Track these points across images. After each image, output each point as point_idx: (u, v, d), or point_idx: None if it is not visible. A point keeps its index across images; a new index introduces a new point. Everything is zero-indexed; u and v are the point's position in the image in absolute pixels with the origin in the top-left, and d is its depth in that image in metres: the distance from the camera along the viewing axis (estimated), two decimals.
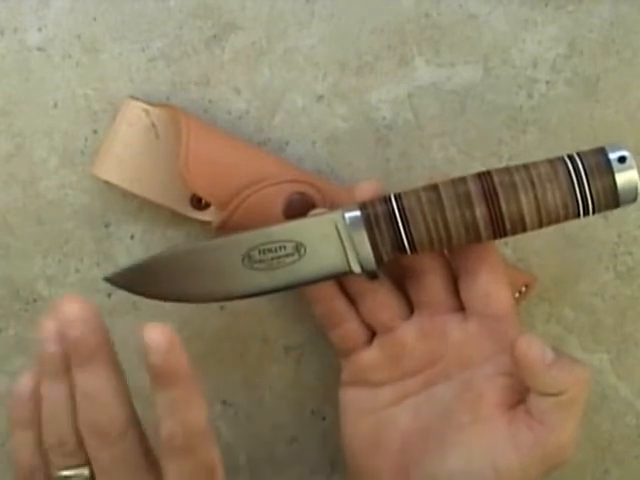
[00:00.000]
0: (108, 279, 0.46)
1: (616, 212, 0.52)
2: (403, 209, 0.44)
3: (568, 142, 0.53)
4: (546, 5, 0.53)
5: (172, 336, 0.40)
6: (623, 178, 0.43)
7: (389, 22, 0.53)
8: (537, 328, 0.55)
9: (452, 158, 0.54)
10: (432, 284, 0.48)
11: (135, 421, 0.42)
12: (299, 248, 0.45)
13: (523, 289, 0.53)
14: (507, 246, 0.54)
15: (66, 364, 0.41)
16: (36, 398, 0.43)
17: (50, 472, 0.43)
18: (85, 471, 0.42)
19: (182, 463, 0.41)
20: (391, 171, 0.54)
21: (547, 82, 0.53)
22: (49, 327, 0.41)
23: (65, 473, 0.42)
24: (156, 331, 0.40)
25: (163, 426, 0.40)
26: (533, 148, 0.53)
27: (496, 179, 0.43)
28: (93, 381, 0.41)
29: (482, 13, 0.53)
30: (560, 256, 0.54)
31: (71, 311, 0.40)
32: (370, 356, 0.49)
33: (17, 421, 0.43)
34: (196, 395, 0.41)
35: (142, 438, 0.42)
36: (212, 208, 0.51)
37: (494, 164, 0.45)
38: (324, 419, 0.56)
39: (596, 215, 0.45)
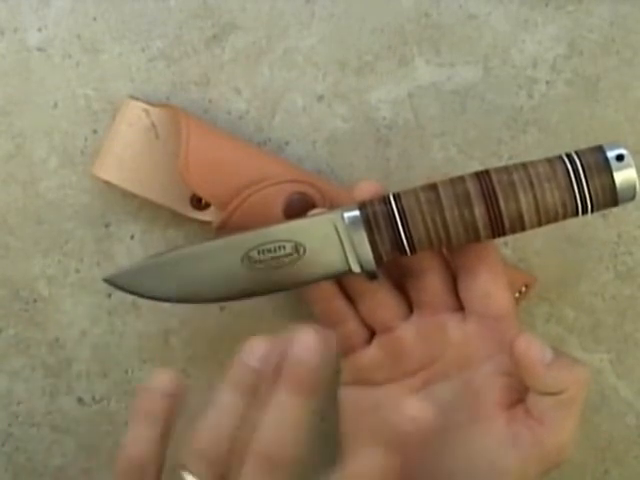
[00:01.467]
0: (108, 280, 0.46)
1: (616, 212, 0.52)
2: (402, 209, 0.44)
3: (568, 142, 0.53)
4: (546, 5, 0.53)
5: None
6: (621, 176, 0.43)
7: (389, 22, 0.53)
8: (537, 328, 0.55)
9: (452, 158, 0.54)
10: (431, 284, 0.48)
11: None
12: (298, 248, 0.45)
13: (523, 289, 0.53)
14: (507, 246, 0.54)
15: (256, 387, 0.40)
16: (173, 397, 0.41)
17: (173, 470, 0.41)
18: None
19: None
20: (391, 171, 0.54)
21: (547, 82, 0.53)
22: (262, 345, 0.41)
23: (190, 477, 0.40)
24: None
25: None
26: (533, 148, 0.53)
27: (495, 178, 0.43)
28: (298, 413, 0.40)
29: (482, 13, 0.53)
30: (560, 256, 0.54)
31: (313, 340, 0.40)
32: (369, 356, 0.49)
33: (145, 414, 0.41)
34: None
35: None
36: (212, 208, 0.51)
37: (494, 164, 0.45)
38: (324, 419, 0.56)
39: (596, 215, 0.45)
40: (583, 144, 0.45)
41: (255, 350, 0.40)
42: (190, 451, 0.41)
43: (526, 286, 0.53)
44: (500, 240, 0.46)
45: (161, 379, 0.41)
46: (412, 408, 0.39)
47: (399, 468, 0.39)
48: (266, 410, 0.39)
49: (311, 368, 0.39)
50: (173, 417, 0.41)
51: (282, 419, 0.39)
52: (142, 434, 0.41)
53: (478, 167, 0.51)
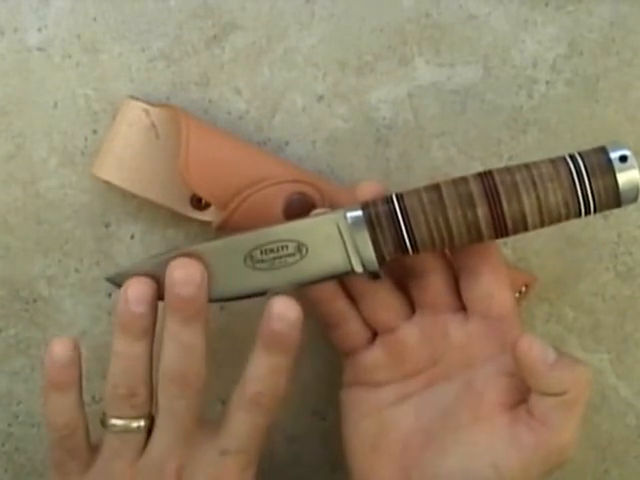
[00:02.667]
0: (110, 279, 0.46)
1: (616, 212, 0.52)
2: (405, 209, 0.44)
3: (568, 142, 0.53)
4: (546, 5, 0.53)
5: (298, 310, 0.44)
6: (624, 177, 0.43)
7: (389, 22, 0.53)
8: (537, 328, 0.55)
9: (452, 158, 0.54)
10: (434, 284, 0.48)
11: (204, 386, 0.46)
12: (301, 248, 0.45)
13: (523, 289, 0.53)
14: (507, 246, 0.54)
15: (148, 324, 0.45)
16: (76, 362, 0.46)
17: (103, 422, 0.46)
18: (142, 422, 0.46)
19: (257, 420, 0.46)
20: (391, 171, 0.54)
21: (547, 82, 0.53)
22: (135, 290, 0.44)
23: (120, 422, 0.46)
24: (288, 304, 0.44)
25: (256, 383, 0.45)
26: (533, 148, 0.53)
27: (498, 179, 0.43)
28: (193, 337, 0.45)
29: (482, 13, 0.53)
30: (560, 256, 0.54)
31: (181, 273, 0.44)
32: (371, 356, 0.49)
33: (54, 385, 0.45)
34: (291, 369, 0.46)
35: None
36: (212, 208, 0.51)
37: (494, 164, 0.45)
38: (324, 419, 0.56)
39: (596, 215, 0.45)
40: (583, 144, 0.45)
41: (132, 296, 0.44)
42: (110, 402, 0.46)
43: (526, 286, 0.53)
44: (500, 240, 0.46)
45: (57, 351, 0.45)
46: (278, 306, 0.44)
47: (287, 369, 0.45)
48: (164, 342, 0.45)
49: (187, 298, 0.44)
50: (81, 378, 0.46)
51: (175, 345, 0.45)
52: (60, 403, 0.46)
53: (478, 167, 0.51)
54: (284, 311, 0.44)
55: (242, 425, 0.46)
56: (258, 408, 0.46)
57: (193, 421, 0.46)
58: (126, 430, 0.46)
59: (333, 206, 0.49)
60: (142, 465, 0.46)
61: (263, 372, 0.46)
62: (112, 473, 0.46)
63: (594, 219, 0.54)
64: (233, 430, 0.46)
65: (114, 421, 0.46)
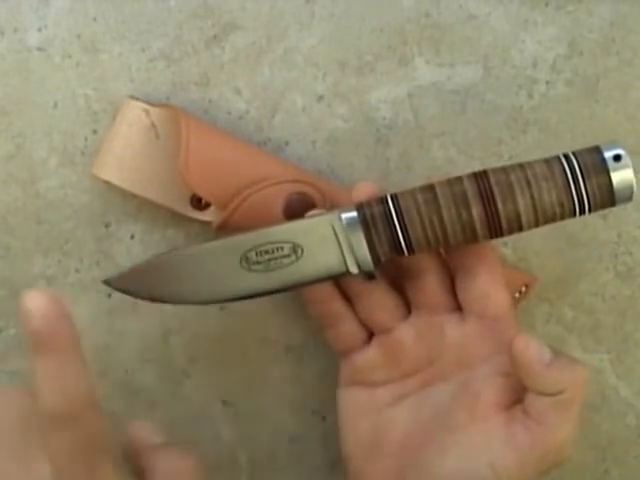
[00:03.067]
0: (107, 282, 0.46)
1: (616, 212, 0.52)
2: (400, 210, 0.44)
3: (568, 142, 0.53)
4: (546, 5, 0.53)
5: (55, 302, 0.37)
6: (618, 177, 0.43)
7: (389, 22, 0.53)
8: (537, 328, 0.55)
9: (452, 158, 0.54)
10: (429, 284, 0.47)
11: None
12: (296, 249, 0.45)
13: (523, 289, 0.53)
14: (507, 246, 0.54)
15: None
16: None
17: None
18: None
19: (65, 434, 0.38)
20: (391, 171, 0.54)
21: (547, 82, 0.53)
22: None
23: None
24: (37, 296, 0.37)
25: (44, 395, 0.37)
26: (533, 148, 0.53)
27: (492, 179, 0.43)
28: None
29: (482, 13, 0.53)
30: (560, 256, 0.54)
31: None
32: (368, 356, 0.49)
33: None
34: (78, 364, 0.38)
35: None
36: (212, 208, 0.51)
37: (494, 164, 0.45)
38: (324, 419, 0.56)
39: (596, 215, 0.45)
40: (583, 144, 0.45)
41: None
42: None
43: (526, 286, 0.53)
44: (500, 240, 0.46)
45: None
46: (29, 302, 0.37)
47: (74, 367, 0.38)
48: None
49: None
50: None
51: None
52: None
53: (478, 167, 0.51)
54: (37, 306, 0.37)
55: (57, 446, 0.38)
56: (61, 421, 0.37)
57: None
58: None
59: (333, 206, 0.49)
60: None
61: (49, 381, 0.37)
62: None
63: (594, 219, 0.54)
64: (51, 454, 0.38)
65: None
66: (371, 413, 0.49)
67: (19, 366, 0.54)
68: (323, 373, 0.55)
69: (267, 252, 0.45)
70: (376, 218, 0.44)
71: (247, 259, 0.45)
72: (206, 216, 0.52)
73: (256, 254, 0.45)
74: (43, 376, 0.37)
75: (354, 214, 0.44)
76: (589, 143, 0.45)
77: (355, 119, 0.53)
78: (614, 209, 0.45)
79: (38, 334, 0.37)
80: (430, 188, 0.44)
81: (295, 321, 0.55)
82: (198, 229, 0.53)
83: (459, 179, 0.44)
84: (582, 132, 0.53)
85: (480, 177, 0.44)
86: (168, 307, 0.46)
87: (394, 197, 0.44)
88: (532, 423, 0.44)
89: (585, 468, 0.56)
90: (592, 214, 0.44)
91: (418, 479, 0.46)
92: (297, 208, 0.49)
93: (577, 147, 0.45)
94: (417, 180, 0.46)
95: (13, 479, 0.39)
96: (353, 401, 0.50)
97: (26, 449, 0.40)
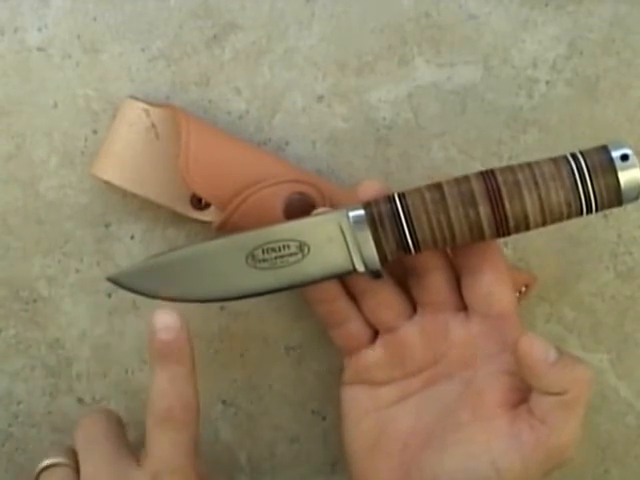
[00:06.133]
0: (111, 279, 0.46)
1: (616, 212, 0.52)
2: (407, 208, 0.44)
3: (568, 142, 0.53)
4: (546, 5, 0.53)
5: (180, 319, 0.44)
6: (626, 176, 0.43)
7: (389, 22, 0.53)
8: (537, 328, 0.55)
9: (452, 158, 0.54)
10: (435, 283, 0.47)
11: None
12: (303, 247, 0.45)
13: (523, 289, 0.53)
14: (507, 246, 0.54)
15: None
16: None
17: None
18: None
19: (175, 436, 0.44)
20: (391, 171, 0.54)
21: (547, 82, 0.53)
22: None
23: None
24: (166, 314, 0.44)
25: (161, 399, 0.44)
26: (533, 148, 0.53)
27: (500, 178, 0.43)
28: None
29: (482, 13, 0.53)
30: (560, 256, 0.54)
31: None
32: (373, 355, 0.49)
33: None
34: (193, 372, 0.45)
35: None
36: (212, 208, 0.51)
37: (494, 164, 0.45)
38: (325, 419, 0.56)
39: (596, 215, 0.45)
40: (583, 144, 0.45)
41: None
42: None
43: (526, 286, 0.53)
44: (501, 240, 0.46)
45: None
46: (160, 318, 0.44)
47: (187, 377, 0.45)
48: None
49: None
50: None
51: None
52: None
53: (478, 167, 0.51)
54: (167, 321, 0.44)
55: (163, 445, 0.45)
56: (172, 424, 0.44)
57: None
58: None
59: (333, 206, 0.49)
60: None
61: (165, 386, 0.45)
62: None
63: (594, 219, 0.54)
64: (156, 452, 0.45)
65: None
66: (374, 412, 0.49)
67: (19, 366, 0.54)
68: (323, 373, 0.55)
69: (273, 250, 0.45)
70: (383, 217, 0.44)
71: (253, 257, 0.45)
72: (206, 216, 0.52)
73: (262, 252, 0.45)
74: (162, 382, 0.44)
75: (361, 212, 0.44)
76: (589, 143, 0.45)
77: (355, 119, 0.53)
78: (614, 209, 0.45)
79: (163, 347, 0.44)
80: (437, 187, 0.44)
81: (295, 321, 0.55)
82: (198, 229, 0.53)
83: (466, 178, 0.44)
84: (582, 132, 0.53)
85: (488, 176, 0.44)
86: (168, 306, 0.46)
87: (401, 196, 0.44)
88: (536, 422, 0.44)
89: (585, 468, 0.56)
90: (597, 213, 0.44)
91: (421, 478, 0.46)
92: (297, 208, 0.49)
93: (577, 147, 0.45)
94: (417, 180, 0.46)
95: None
96: (356, 400, 0.50)
97: (118, 461, 0.45)
